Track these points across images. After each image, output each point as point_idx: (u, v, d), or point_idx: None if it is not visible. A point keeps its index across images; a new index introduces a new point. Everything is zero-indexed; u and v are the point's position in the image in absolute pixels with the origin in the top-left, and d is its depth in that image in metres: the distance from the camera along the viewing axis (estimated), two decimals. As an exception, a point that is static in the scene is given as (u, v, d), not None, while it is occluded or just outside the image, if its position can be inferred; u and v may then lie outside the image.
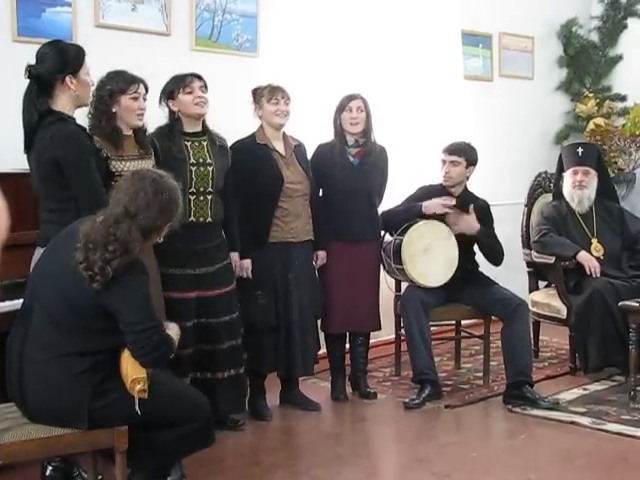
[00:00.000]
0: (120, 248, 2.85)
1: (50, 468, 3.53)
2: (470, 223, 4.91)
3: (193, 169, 4.13)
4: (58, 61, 3.40)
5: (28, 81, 3.41)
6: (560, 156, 5.69)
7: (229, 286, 4.30)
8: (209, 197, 4.17)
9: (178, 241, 3.90)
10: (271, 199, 4.48)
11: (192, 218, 4.12)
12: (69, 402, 2.89)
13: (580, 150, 5.51)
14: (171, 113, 4.21)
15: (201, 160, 4.17)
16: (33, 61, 3.43)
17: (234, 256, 4.39)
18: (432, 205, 4.89)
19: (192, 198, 4.12)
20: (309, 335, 4.64)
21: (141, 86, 3.83)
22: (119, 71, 3.83)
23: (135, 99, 3.80)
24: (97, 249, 2.83)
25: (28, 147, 3.44)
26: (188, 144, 4.18)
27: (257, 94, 4.55)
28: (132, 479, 3.18)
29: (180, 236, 3.77)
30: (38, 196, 3.50)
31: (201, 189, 4.14)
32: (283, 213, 4.50)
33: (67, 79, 3.41)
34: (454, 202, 4.90)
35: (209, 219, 4.18)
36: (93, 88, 3.65)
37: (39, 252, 3.39)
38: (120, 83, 3.78)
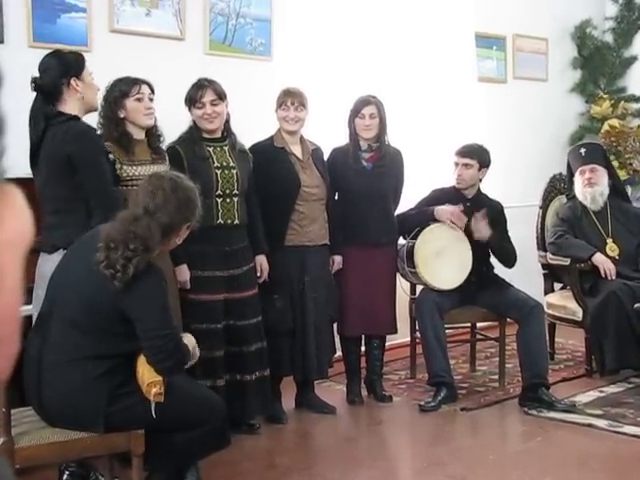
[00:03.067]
0: (141, 246, 2.88)
1: (67, 472, 3.54)
2: (481, 230, 4.89)
3: (218, 172, 4.16)
4: (60, 67, 3.49)
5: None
6: (568, 161, 5.68)
7: (254, 289, 4.33)
8: (235, 199, 4.20)
9: (207, 243, 4.00)
10: (288, 202, 4.48)
11: (220, 220, 4.15)
12: (86, 405, 2.90)
13: (583, 150, 5.52)
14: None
15: (225, 163, 4.20)
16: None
17: (261, 259, 4.40)
18: (444, 211, 4.88)
19: (219, 201, 4.15)
20: (324, 338, 4.64)
21: (143, 87, 3.86)
22: (121, 77, 3.88)
23: (139, 100, 3.83)
24: (118, 248, 2.86)
25: (34, 159, 3.48)
26: (210, 149, 4.21)
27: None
28: (148, 482, 3.20)
29: (208, 238, 3.94)
30: (42, 200, 3.49)
31: (227, 191, 4.17)
32: (299, 217, 4.51)
33: (72, 82, 3.47)
34: (462, 208, 4.88)
35: (236, 221, 4.21)
36: (99, 92, 3.69)
37: (44, 258, 3.40)
38: (122, 87, 3.83)
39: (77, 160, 3.38)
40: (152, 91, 3.91)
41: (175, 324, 3.28)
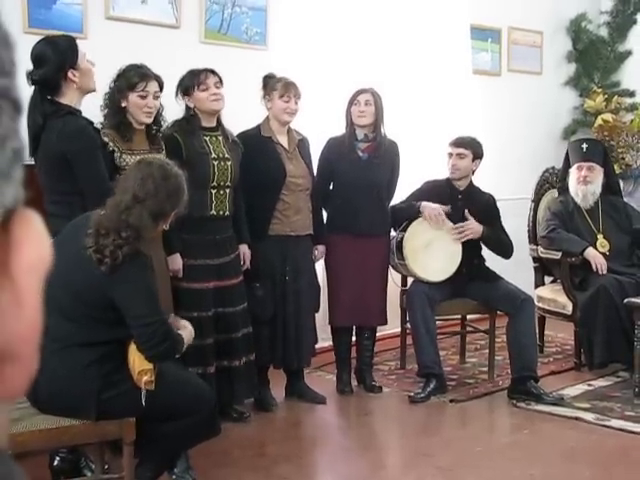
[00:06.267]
0: (133, 234, 2.89)
1: (58, 459, 3.54)
2: (473, 229, 4.90)
3: (215, 163, 4.16)
4: (56, 59, 3.43)
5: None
6: (567, 152, 5.69)
7: (240, 276, 4.36)
8: (227, 191, 4.22)
9: (199, 233, 4.08)
10: (273, 192, 4.49)
11: (213, 211, 4.17)
12: (78, 393, 2.91)
13: (585, 146, 5.51)
14: (187, 108, 4.23)
15: (221, 155, 4.21)
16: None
17: (244, 248, 4.42)
18: (429, 208, 4.86)
19: (213, 192, 4.16)
20: (305, 328, 4.64)
21: (150, 84, 3.79)
22: (136, 65, 3.80)
23: (143, 97, 3.77)
24: (109, 235, 2.86)
25: (34, 149, 3.47)
26: (207, 139, 4.21)
27: (269, 84, 4.54)
28: (139, 470, 3.20)
29: (201, 228, 4.04)
30: (43, 189, 3.52)
31: (222, 183, 4.18)
32: (284, 207, 4.52)
33: (70, 74, 3.44)
34: (448, 209, 4.89)
35: (227, 212, 4.23)
36: (94, 69, 3.63)
37: None
38: (131, 78, 3.76)
39: (72, 158, 3.38)
40: (160, 88, 3.84)
41: (165, 311, 3.29)
